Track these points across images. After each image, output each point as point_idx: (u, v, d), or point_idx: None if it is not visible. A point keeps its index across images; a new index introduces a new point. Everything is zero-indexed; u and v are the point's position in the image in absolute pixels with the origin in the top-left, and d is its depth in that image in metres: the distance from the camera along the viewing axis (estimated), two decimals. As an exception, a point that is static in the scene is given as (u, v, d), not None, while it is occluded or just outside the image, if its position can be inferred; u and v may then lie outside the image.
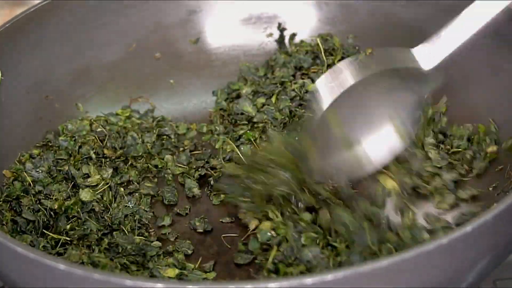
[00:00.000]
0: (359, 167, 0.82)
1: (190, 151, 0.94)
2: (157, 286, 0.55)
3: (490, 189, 0.81)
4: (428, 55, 0.72)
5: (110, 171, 0.87)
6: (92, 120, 0.93)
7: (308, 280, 0.54)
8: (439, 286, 0.61)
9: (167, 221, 0.85)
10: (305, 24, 1.02)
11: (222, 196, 0.87)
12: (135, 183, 0.88)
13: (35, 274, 0.61)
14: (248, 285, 0.55)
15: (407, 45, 0.94)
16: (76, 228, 0.80)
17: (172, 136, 0.95)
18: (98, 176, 0.86)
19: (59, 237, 0.79)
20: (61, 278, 0.58)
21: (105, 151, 0.89)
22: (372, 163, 0.81)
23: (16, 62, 0.90)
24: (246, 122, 0.93)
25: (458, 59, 0.90)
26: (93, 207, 0.83)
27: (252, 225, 0.82)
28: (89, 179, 0.85)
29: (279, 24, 1.01)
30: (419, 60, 0.73)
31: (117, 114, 0.96)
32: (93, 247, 0.79)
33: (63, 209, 0.81)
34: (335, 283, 0.54)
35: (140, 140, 0.92)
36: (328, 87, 0.73)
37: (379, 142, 0.80)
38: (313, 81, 0.94)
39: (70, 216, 0.82)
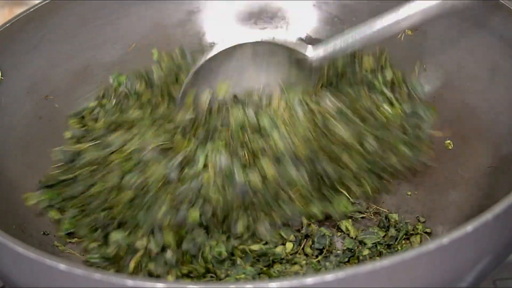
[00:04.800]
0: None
1: None
2: (157, 286, 0.55)
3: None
4: (317, 49, 0.87)
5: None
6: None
7: (309, 280, 0.54)
8: (439, 286, 0.61)
9: None
10: (305, 24, 1.02)
11: None
12: None
13: (35, 274, 0.61)
14: (248, 285, 0.55)
15: (407, 45, 0.95)
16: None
17: None
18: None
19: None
20: (61, 278, 0.58)
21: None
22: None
23: (16, 62, 0.90)
24: None
25: (456, 57, 0.91)
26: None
27: None
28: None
29: None
30: (309, 51, 0.87)
31: None
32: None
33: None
34: (335, 283, 0.54)
35: None
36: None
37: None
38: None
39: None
